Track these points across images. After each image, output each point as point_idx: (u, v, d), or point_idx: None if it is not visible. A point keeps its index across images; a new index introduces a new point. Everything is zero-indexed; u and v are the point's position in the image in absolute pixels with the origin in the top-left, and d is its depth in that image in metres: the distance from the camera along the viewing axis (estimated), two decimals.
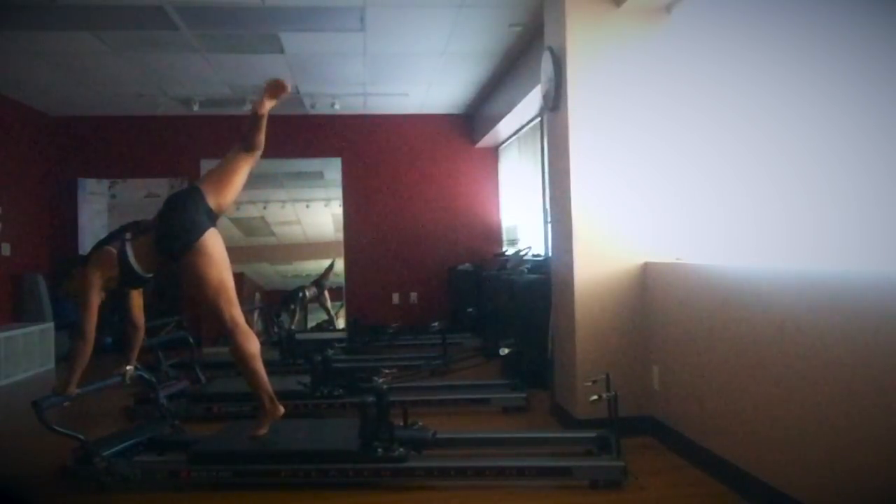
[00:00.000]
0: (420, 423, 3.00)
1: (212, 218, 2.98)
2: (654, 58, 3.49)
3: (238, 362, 3.02)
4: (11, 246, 6.40)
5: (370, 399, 2.84)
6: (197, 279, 2.93)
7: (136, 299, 3.28)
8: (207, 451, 2.94)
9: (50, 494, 2.83)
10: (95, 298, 2.92)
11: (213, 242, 2.94)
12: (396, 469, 2.77)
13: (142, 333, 3.36)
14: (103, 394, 3.29)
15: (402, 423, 2.92)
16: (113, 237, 3.06)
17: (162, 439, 3.22)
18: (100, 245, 3.04)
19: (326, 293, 7.48)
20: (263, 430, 3.01)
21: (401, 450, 2.79)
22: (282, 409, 3.06)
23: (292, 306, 7.29)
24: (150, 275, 3.07)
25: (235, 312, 2.97)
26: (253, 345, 2.99)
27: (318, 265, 7.48)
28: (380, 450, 2.77)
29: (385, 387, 2.93)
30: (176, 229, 2.90)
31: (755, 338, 2.47)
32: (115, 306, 3.30)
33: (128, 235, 3.01)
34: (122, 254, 2.95)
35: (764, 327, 2.42)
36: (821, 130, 2.36)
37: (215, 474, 2.82)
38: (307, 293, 7.38)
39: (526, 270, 5.04)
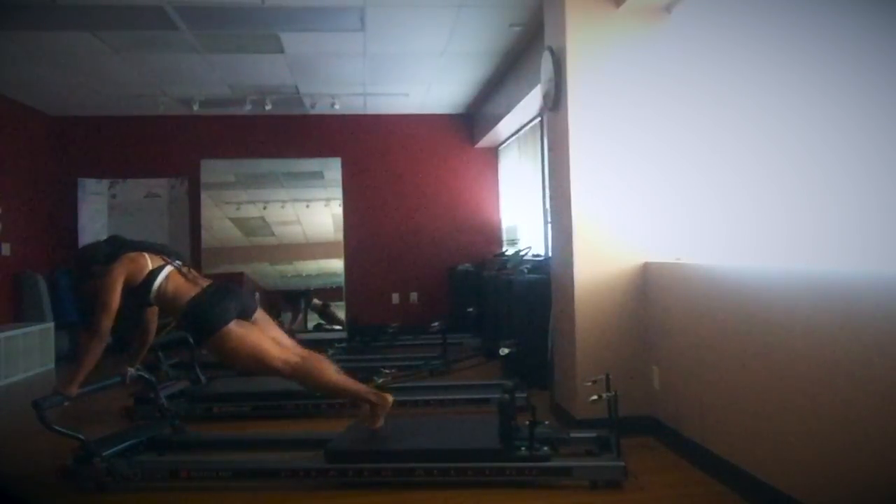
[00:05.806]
0: (547, 423, 2.92)
1: None
2: (654, 58, 3.49)
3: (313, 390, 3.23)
4: (11, 246, 6.39)
5: (506, 396, 2.74)
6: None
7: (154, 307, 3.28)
8: (343, 450, 2.88)
9: (50, 494, 2.82)
10: (117, 298, 2.96)
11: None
12: (539, 468, 2.70)
13: (150, 339, 3.36)
14: (103, 394, 3.28)
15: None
16: (150, 248, 3.13)
17: (162, 439, 3.22)
18: (128, 247, 3.08)
19: (332, 310, 7.45)
20: (380, 423, 3.02)
21: (545, 448, 2.73)
22: (390, 398, 3.08)
23: (296, 307, 7.28)
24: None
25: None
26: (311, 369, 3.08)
27: (317, 265, 7.48)
28: (523, 448, 2.70)
29: (512, 383, 2.85)
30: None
31: (755, 338, 2.47)
32: (127, 307, 3.30)
33: (177, 263, 3.13)
34: (153, 274, 3.03)
35: (764, 327, 2.42)
36: (820, 130, 2.36)
37: (352, 473, 2.77)
38: (314, 299, 7.37)
39: (526, 270, 5.03)
